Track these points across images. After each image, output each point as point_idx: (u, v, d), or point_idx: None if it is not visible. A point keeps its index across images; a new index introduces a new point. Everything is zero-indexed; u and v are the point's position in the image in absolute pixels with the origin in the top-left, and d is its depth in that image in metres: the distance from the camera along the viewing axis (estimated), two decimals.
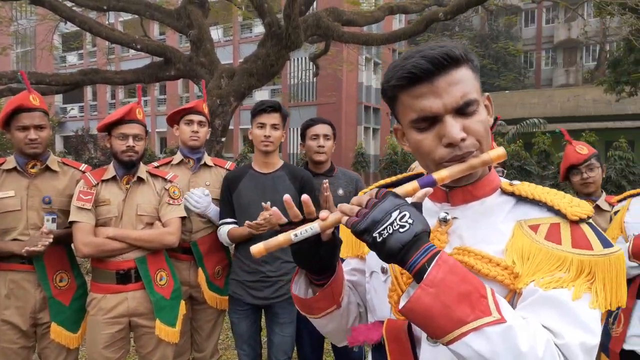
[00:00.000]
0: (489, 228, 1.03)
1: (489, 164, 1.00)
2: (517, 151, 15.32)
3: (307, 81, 23.01)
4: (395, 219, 0.87)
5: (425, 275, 0.85)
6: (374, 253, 1.12)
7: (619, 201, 2.49)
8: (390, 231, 0.86)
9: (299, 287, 1.14)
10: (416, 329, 1.03)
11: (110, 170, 2.59)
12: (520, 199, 1.05)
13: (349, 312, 1.20)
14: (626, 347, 2.47)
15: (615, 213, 2.42)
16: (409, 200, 0.94)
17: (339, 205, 0.97)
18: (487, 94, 1.09)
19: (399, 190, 0.96)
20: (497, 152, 0.99)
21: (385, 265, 1.11)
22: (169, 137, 25.79)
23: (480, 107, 1.01)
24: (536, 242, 0.96)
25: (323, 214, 0.98)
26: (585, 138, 13.89)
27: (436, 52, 0.96)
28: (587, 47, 32.73)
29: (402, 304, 0.88)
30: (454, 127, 0.96)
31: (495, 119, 3.46)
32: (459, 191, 1.06)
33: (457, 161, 0.98)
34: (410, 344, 1.04)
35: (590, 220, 1.00)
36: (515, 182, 1.09)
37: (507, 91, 26.69)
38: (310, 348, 2.99)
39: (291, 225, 1.03)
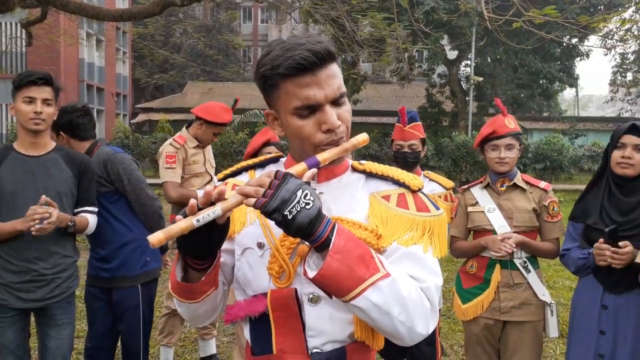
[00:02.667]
0: (350, 200, 1.18)
1: (357, 147, 1.14)
2: (244, 139, 16.23)
3: (15, 50, 19.53)
4: (301, 198, 0.94)
5: (330, 244, 0.95)
6: (245, 232, 1.18)
7: None
8: (298, 209, 0.93)
9: (178, 274, 1.12)
10: (299, 295, 1.12)
11: None
12: (370, 175, 1.22)
13: (221, 292, 1.23)
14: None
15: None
16: None
17: (239, 187, 0.98)
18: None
19: (292, 170, 1.02)
20: (363, 137, 1.15)
21: (262, 240, 1.16)
22: None
23: (346, 98, 1.13)
24: (390, 209, 1.15)
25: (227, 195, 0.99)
26: None
27: (319, 48, 1.05)
28: None
29: (311, 273, 0.97)
30: (333, 115, 1.07)
31: (235, 101, 3.62)
32: (323, 170, 1.17)
33: (333, 145, 1.09)
34: (297, 307, 1.12)
35: (423, 190, 1.23)
36: (363, 161, 1.26)
37: (230, 82, 27.80)
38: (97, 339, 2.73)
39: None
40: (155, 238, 0.94)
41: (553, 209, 2.53)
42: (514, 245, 2.38)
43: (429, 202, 1.19)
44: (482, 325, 2.55)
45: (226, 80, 27.22)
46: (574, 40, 18.93)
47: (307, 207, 0.94)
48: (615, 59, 28.38)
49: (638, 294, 2.13)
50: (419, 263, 1.09)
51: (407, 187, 1.19)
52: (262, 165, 1.30)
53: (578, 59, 20.87)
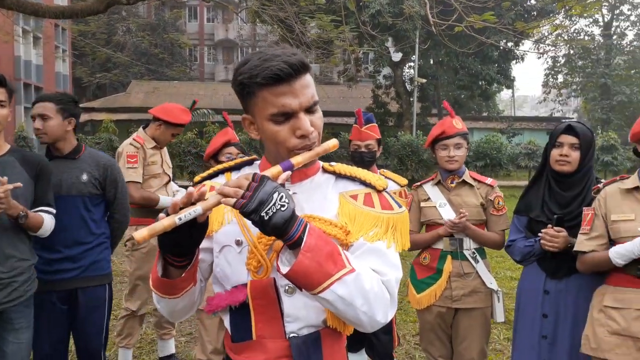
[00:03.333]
0: (321, 199, 1.25)
1: (328, 152, 1.22)
2: (193, 138, 15.96)
3: None
4: (276, 200, 1.01)
5: (302, 243, 1.03)
6: (223, 230, 1.24)
7: None
8: (274, 210, 1.01)
9: (159, 271, 1.17)
10: (278, 284, 1.20)
11: None
12: (339, 175, 1.30)
13: (199, 288, 1.29)
14: None
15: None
16: None
17: (218, 188, 1.04)
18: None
19: (268, 173, 1.09)
20: (333, 142, 1.23)
21: (240, 238, 1.22)
22: None
23: (318, 106, 1.21)
24: (358, 207, 1.24)
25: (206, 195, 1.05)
26: None
27: (294, 60, 1.12)
28: (242, 48, 36.17)
29: (284, 269, 1.05)
30: (306, 122, 1.14)
31: (194, 102, 3.63)
32: (297, 172, 1.24)
33: (306, 149, 1.17)
34: (276, 295, 1.20)
35: (387, 190, 1.33)
36: (333, 163, 1.34)
37: (176, 81, 27.23)
38: (51, 347, 2.62)
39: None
40: (140, 235, 0.98)
41: (498, 203, 2.71)
42: (464, 214, 2.55)
43: (392, 201, 1.28)
44: (436, 313, 2.69)
45: (172, 79, 26.67)
46: (510, 45, 19.87)
47: (282, 209, 1.01)
48: (548, 62, 30.06)
49: (576, 279, 2.33)
50: (382, 258, 1.18)
51: (373, 187, 1.27)
52: (237, 167, 1.35)
53: (514, 61, 21.91)
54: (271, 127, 1.15)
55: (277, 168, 1.12)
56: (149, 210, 3.28)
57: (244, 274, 1.21)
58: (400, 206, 1.28)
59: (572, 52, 28.16)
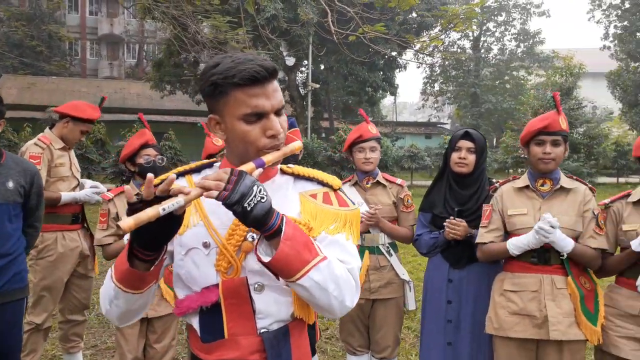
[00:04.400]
0: (283, 199, 1.31)
1: (294, 153, 1.29)
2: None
3: None
4: (256, 192, 1.07)
5: (282, 233, 1.10)
6: (189, 233, 1.27)
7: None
8: (255, 202, 1.06)
9: (129, 263, 1.16)
10: (249, 283, 1.24)
11: None
12: (298, 177, 1.38)
13: (154, 288, 1.28)
14: None
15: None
16: None
17: (198, 182, 1.08)
18: None
19: (244, 169, 1.14)
20: (298, 144, 1.31)
21: (208, 240, 1.25)
22: None
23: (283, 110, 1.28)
24: (318, 205, 1.32)
25: (186, 189, 1.07)
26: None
27: (268, 64, 1.19)
28: (129, 45, 34.26)
29: (266, 259, 1.11)
30: (277, 123, 1.21)
31: (102, 99, 3.51)
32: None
33: (274, 149, 1.23)
34: (248, 294, 1.24)
35: (342, 189, 1.43)
36: (291, 165, 1.41)
37: (54, 77, 25.04)
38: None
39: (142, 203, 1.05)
40: (127, 224, 0.98)
41: (407, 201, 2.96)
42: (378, 207, 2.76)
43: (347, 199, 1.39)
44: (355, 306, 2.86)
45: (50, 74, 24.46)
46: (394, 54, 21.11)
47: (262, 200, 1.07)
48: (426, 70, 32.33)
49: (475, 268, 2.62)
50: (343, 249, 1.28)
51: (330, 187, 1.37)
52: (198, 170, 1.37)
53: (397, 70, 23.29)
54: (243, 126, 1.19)
55: (250, 165, 1.16)
56: (56, 215, 3.08)
57: (212, 275, 1.24)
58: (354, 203, 1.39)
59: (447, 63, 30.59)
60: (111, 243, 2.73)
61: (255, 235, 1.23)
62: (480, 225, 2.49)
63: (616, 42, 26.19)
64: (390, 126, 25.87)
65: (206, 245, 1.24)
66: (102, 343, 4.05)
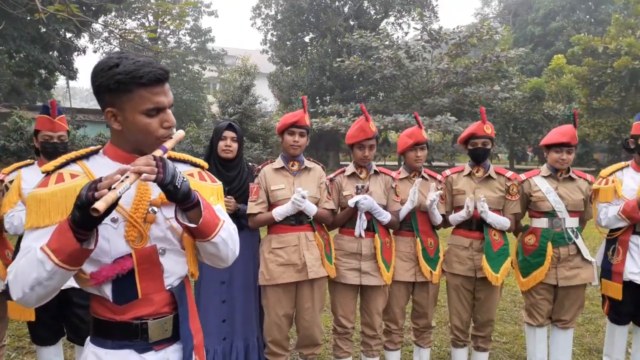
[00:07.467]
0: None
1: (180, 140, 1.55)
2: None
3: None
4: (179, 173, 1.35)
5: (201, 204, 1.40)
6: None
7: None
8: (182, 181, 1.34)
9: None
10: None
11: None
12: (175, 160, 1.62)
13: None
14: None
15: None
16: None
17: (135, 167, 1.26)
18: None
19: (157, 154, 1.35)
20: (181, 133, 1.52)
21: (116, 215, 1.40)
22: None
23: None
24: (197, 182, 1.58)
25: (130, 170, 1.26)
26: None
27: (165, 68, 1.42)
28: None
29: (192, 225, 1.38)
30: (172, 116, 1.46)
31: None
32: None
33: (168, 138, 1.45)
34: (158, 258, 1.47)
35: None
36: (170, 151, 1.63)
37: None
38: None
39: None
40: (100, 206, 1.14)
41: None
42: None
43: (213, 176, 1.70)
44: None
45: None
46: (69, 36, 19.16)
47: (184, 180, 1.36)
48: (103, 55, 30.17)
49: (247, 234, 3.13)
50: (223, 215, 1.59)
51: (201, 167, 1.67)
52: (87, 156, 1.48)
53: (76, 53, 21.21)
54: (144, 119, 1.37)
55: (159, 151, 1.37)
56: None
57: (122, 246, 1.41)
58: (217, 180, 1.69)
59: (124, 51, 29.28)
60: None
61: (155, 209, 1.46)
62: (250, 200, 3.01)
63: (272, 47, 30.27)
64: (70, 113, 23.29)
65: (114, 220, 1.40)
66: None
